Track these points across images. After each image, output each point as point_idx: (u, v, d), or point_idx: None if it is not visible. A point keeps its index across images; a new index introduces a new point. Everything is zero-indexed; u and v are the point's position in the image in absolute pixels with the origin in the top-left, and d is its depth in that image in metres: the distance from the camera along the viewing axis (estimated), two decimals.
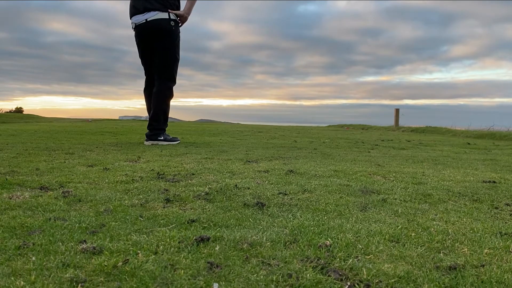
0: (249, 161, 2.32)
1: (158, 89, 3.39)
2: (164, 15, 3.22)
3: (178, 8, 3.35)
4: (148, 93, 3.53)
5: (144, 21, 3.22)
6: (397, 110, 11.15)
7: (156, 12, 3.19)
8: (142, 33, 3.30)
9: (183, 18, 3.34)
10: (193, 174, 1.81)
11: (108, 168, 1.92)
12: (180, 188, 1.49)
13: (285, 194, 1.43)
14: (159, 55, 3.33)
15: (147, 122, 3.53)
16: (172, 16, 3.26)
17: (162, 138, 3.38)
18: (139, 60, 3.52)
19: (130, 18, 3.35)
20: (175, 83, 3.45)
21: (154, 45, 3.31)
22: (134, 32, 3.40)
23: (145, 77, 3.54)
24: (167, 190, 1.46)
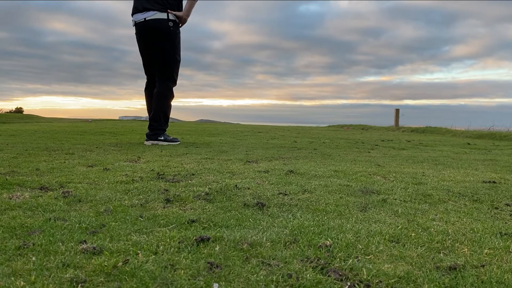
0: (249, 161, 2.32)
1: (159, 90, 3.40)
2: (163, 15, 3.23)
3: (179, 8, 3.35)
4: (149, 92, 3.54)
5: (143, 19, 3.24)
6: (397, 110, 11.15)
7: (155, 12, 3.21)
8: (141, 31, 3.32)
9: (182, 20, 3.35)
10: (193, 174, 1.81)
11: (108, 168, 1.92)
12: (180, 188, 1.49)
13: (285, 194, 1.44)
14: (159, 56, 3.34)
15: (148, 123, 3.53)
16: (171, 17, 3.26)
17: (162, 138, 3.38)
18: (140, 60, 3.53)
19: (132, 16, 3.37)
20: (175, 84, 3.46)
21: (153, 45, 3.33)
22: (134, 30, 3.42)
23: (146, 76, 3.55)
24: (167, 190, 1.46)
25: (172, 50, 3.34)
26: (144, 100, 3.63)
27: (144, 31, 3.29)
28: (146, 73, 3.53)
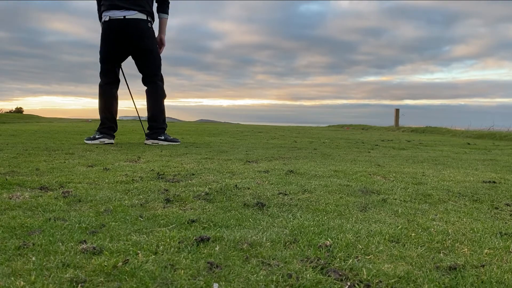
0: (249, 161, 2.32)
1: (153, 91, 3.42)
2: (143, 16, 3.25)
3: (151, 10, 3.37)
4: (114, 92, 3.43)
5: (122, 17, 3.20)
6: (397, 110, 11.15)
7: (135, 12, 3.22)
8: (118, 28, 3.24)
9: (164, 41, 3.48)
10: (193, 174, 1.81)
11: (108, 168, 1.92)
12: (180, 188, 1.49)
13: (285, 194, 1.43)
14: (145, 57, 3.34)
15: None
16: (149, 18, 3.31)
17: (162, 137, 3.39)
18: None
19: (102, 12, 3.29)
20: (163, 82, 3.50)
21: (132, 45, 3.29)
22: (104, 26, 3.31)
23: (106, 72, 3.41)
24: (167, 190, 1.46)
25: (156, 50, 3.38)
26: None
27: (122, 29, 3.24)
28: (109, 70, 3.40)
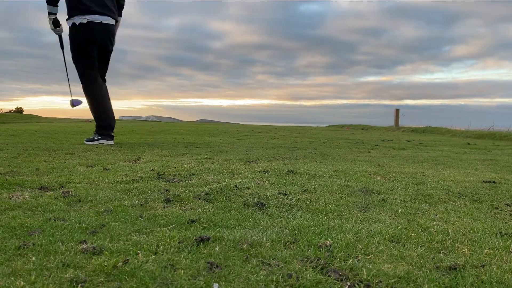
0: (249, 161, 2.32)
1: (105, 89, 3.49)
2: (113, 22, 3.43)
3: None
4: (96, 89, 3.46)
5: (100, 22, 3.34)
6: (397, 110, 11.15)
7: (109, 18, 3.39)
8: (97, 32, 3.35)
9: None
10: (193, 174, 1.81)
11: (108, 168, 1.92)
12: (180, 188, 1.49)
13: (285, 194, 1.44)
14: (108, 59, 3.52)
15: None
16: (116, 23, 3.49)
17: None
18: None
19: (76, 15, 3.32)
20: None
21: (104, 48, 3.43)
22: (79, 28, 3.36)
23: (93, 73, 3.45)
24: (167, 190, 1.46)
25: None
26: (98, 99, 3.48)
27: (100, 33, 3.35)
28: (94, 70, 3.44)
